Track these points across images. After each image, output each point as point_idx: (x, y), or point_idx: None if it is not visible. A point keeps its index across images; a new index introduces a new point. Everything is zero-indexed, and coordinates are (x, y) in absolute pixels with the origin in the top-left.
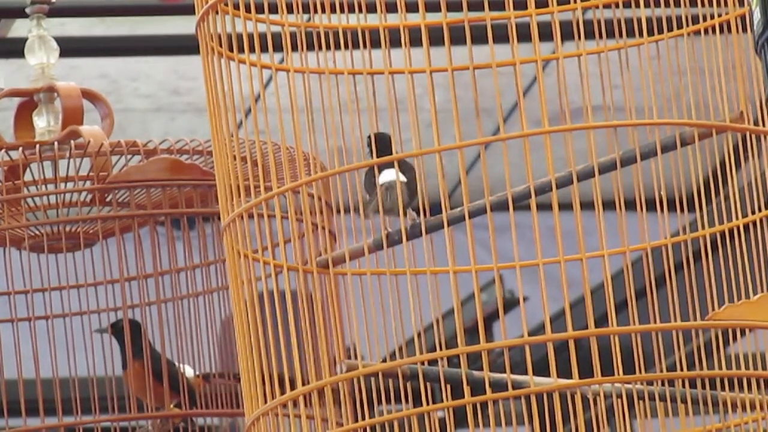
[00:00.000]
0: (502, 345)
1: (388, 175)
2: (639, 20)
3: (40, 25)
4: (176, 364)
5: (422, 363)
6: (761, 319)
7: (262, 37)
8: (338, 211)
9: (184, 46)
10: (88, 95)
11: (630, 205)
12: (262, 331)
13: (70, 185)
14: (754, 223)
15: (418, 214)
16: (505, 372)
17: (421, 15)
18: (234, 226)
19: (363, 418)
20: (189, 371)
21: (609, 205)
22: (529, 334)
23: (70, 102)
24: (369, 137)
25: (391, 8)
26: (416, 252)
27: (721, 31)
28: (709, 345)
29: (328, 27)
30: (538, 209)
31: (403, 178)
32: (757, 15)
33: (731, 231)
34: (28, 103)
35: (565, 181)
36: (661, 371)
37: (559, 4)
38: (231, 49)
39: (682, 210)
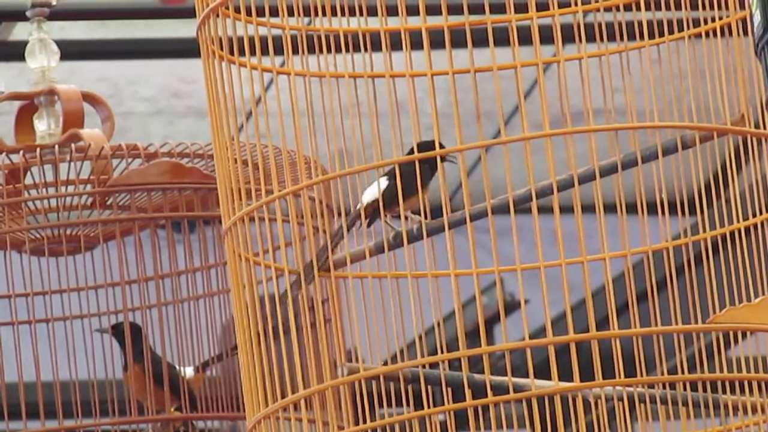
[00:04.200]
0: (503, 348)
1: (369, 195)
2: (640, 23)
3: (40, 28)
4: (176, 367)
5: (423, 366)
6: (762, 322)
7: (263, 40)
8: (339, 214)
9: (185, 49)
10: (89, 98)
11: (631, 208)
12: (263, 334)
13: (70, 188)
14: (755, 226)
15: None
16: (506, 375)
17: (422, 18)
18: (235, 229)
19: (364, 422)
20: (189, 372)
21: (610, 208)
22: (530, 337)
23: (70, 105)
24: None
25: (392, 11)
26: (417, 255)
27: (722, 34)
28: (710, 348)
29: (329, 30)
30: (539, 212)
31: (384, 184)
32: (758, 18)
33: (732, 234)
34: (28, 107)
35: (566, 184)
36: (662, 374)
37: (560, 7)
38: (232, 53)
39: (683, 213)
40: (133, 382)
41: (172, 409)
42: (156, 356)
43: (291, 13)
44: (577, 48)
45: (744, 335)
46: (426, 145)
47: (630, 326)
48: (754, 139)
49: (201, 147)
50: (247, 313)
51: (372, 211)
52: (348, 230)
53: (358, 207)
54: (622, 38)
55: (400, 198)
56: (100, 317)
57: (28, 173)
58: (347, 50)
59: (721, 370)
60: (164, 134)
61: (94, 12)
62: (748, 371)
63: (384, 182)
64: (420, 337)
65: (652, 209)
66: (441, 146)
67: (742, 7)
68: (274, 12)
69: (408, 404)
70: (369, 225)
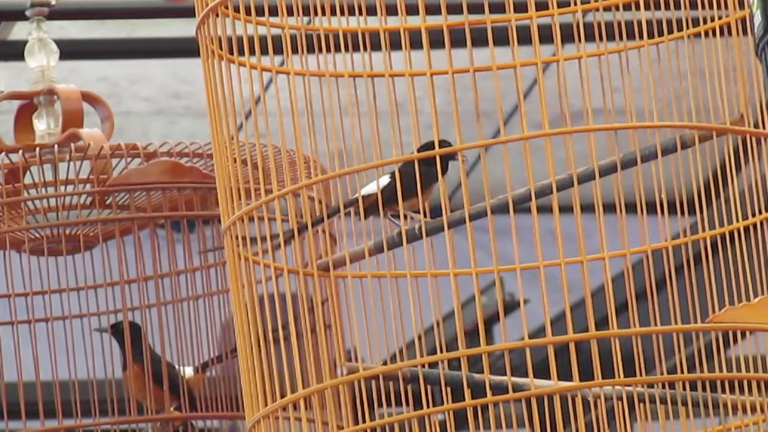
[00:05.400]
0: (502, 347)
1: (370, 188)
2: (639, 23)
3: (40, 27)
4: (176, 366)
5: (423, 366)
6: (761, 321)
7: (263, 39)
8: (338, 214)
9: (185, 48)
10: (88, 98)
11: (630, 207)
12: (263, 334)
13: (70, 188)
14: (755, 226)
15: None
16: (505, 375)
17: (422, 17)
18: (234, 228)
19: (363, 421)
20: (189, 371)
21: (609, 207)
22: (530, 337)
23: (70, 105)
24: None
25: (392, 11)
26: (416, 255)
27: (722, 33)
28: (710, 347)
29: (329, 30)
30: (538, 212)
31: (385, 181)
32: (758, 18)
33: (731, 233)
34: (28, 106)
35: (565, 183)
36: (662, 374)
37: (559, 6)
38: (231, 52)
39: (682, 212)
40: (132, 382)
41: (172, 409)
42: (155, 356)
43: (290, 13)
44: (577, 47)
45: (743, 335)
46: (429, 146)
47: (629, 326)
48: (754, 139)
49: (200, 146)
50: (246, 313)
51: (369, 205)
52: (344, 208)
53: (355, 196)
54: (621, 38)
55: (399, 198)
56: (99, 317)
57: (28, 173)
58: (347, 50)
59: (721, 370)
60: (164, 134)
61: (93, 11)
62: (748, 371)
63: (385, 180)
64: (419, 337)
65: (651, 209)
66: (449, 145)
67: (742, 6)
68: (273, 11)
69: (407, 404)
70: (365, 217)
